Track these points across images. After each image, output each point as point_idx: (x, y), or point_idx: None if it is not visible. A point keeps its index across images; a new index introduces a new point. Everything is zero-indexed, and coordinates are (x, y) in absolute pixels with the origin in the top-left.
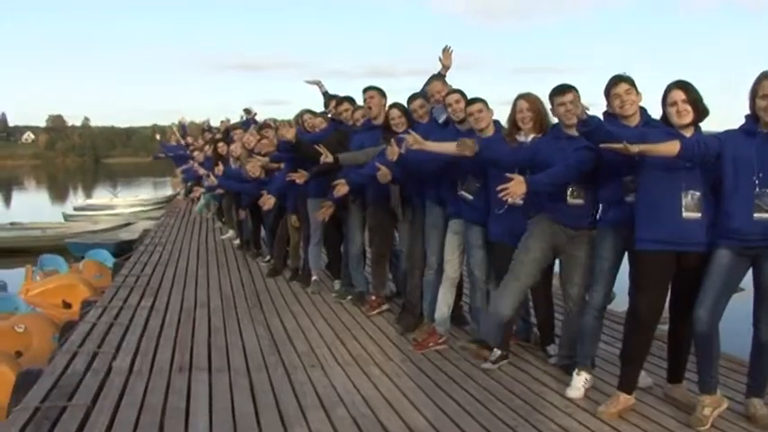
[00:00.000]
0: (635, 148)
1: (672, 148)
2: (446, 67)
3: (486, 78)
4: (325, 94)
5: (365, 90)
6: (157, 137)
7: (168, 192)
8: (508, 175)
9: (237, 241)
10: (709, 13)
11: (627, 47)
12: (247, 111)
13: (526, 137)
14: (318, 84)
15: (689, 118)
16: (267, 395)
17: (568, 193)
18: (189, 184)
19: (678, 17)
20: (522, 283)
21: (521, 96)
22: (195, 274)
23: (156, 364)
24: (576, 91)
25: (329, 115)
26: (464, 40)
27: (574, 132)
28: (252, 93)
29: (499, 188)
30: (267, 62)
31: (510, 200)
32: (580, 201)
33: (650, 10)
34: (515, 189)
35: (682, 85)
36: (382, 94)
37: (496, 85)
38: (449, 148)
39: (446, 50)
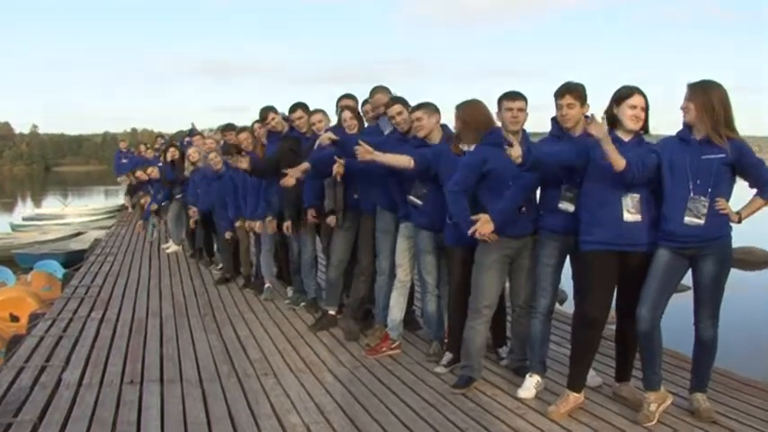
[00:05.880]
0: (610, 148)
1: (620, 162)
2: None
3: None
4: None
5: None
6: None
7: (120, 201)
8: (473, 218)
9: (174, 248)
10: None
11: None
12: (193, 127)
13: (469, 146)
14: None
15: (640, 125)
16: (220, 404)
17: None
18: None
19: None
20: (490, 301)
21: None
22: (147, 284)
23: (107, 377)
24: (526, 100)
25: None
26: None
27: (516, 139)
28: (209, 99)
29: (469, 232)
30: (226, 68)
31: (480, 237)
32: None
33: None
34: (484, 229)
35: (642, 93)
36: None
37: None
38: (399, 160)
39: None
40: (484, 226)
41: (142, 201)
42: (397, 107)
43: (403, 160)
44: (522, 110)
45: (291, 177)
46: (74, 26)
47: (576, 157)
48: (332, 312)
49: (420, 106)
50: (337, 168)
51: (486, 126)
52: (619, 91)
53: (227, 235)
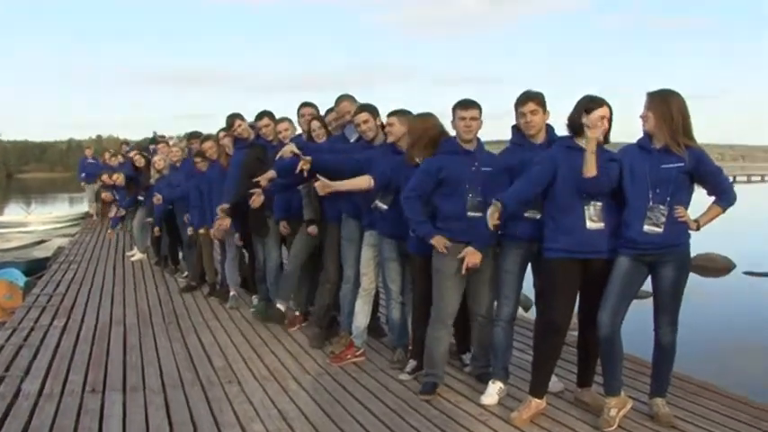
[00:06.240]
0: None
1: (592, 170)
2: None
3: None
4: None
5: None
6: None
7: (85, 208)
8: (459, 256)
9: (138, 256)
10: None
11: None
12: (155, 135)
13: (421, 159)
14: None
15: (603, 135)
16: (183, 412)
17: (468, 206)
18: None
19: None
20: (452, 310)
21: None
22: (111, 292)
23: (68, 386)
24: (480, 108)
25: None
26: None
27: (471, 147)
28: (175, 106)
29: (464, 270)
30: (192, 75)
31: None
32: (480, 213)
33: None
34: (473, 260)
35: (608, 105)
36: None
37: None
38: (359, 184)
39: None
40: (472, 257)
41: (103, 196)
42: (364, 115)
43: (362, 183)
44: (476, 118)
45: (259, 196)
46: (36, 32)
47: (542, 182)
48: (279, 307)
49: (395, 113)
50: (302, 165)
51: (437, 139)
52: (587, 101)
53: (189, 230)
